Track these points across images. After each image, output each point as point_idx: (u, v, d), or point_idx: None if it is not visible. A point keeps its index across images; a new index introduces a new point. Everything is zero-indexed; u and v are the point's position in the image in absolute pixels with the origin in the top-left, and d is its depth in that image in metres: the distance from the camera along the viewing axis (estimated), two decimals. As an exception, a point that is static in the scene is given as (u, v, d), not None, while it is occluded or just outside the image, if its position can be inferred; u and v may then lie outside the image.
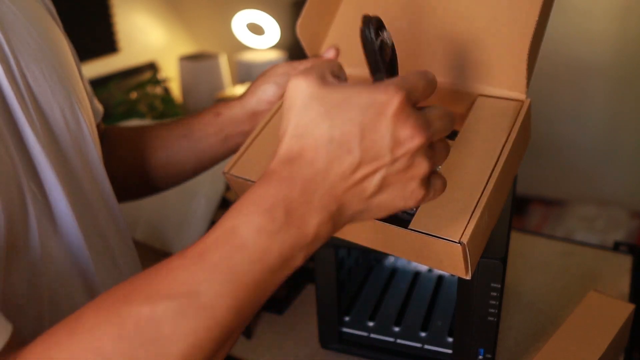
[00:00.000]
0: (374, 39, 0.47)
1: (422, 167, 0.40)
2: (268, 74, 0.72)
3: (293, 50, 2.56)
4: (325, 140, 0.38)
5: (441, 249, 0.54)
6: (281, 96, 0.70)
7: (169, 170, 0.75)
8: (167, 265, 0.38)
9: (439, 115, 0.40)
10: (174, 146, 0.74)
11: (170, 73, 2.58)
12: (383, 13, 0.71)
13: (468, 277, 0.55)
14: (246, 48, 2.56)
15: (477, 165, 0.57)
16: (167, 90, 2.36)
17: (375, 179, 0.39)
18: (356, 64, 0.72)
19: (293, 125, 0.39)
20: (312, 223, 0.39)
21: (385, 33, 0.49)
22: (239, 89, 2.28)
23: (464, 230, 0.52)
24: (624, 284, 0.88)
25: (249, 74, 2.42)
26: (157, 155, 0.74)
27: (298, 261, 0.39)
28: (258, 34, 2.50)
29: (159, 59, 2.56)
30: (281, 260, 0.38)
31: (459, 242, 0.51)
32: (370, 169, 0.39)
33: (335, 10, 0.76)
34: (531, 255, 0.96)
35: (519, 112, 0.61)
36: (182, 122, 0.75)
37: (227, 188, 1.09)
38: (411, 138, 0.38)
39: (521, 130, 0.60)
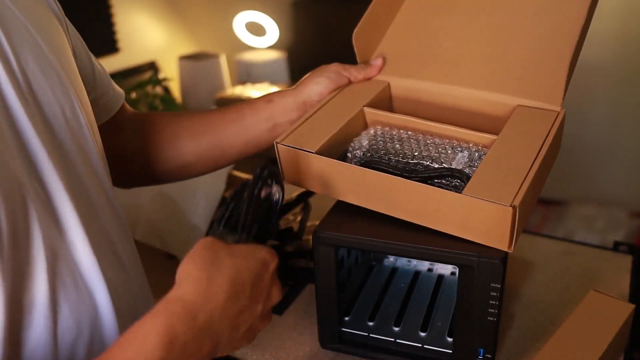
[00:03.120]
0: (256, 187, 0.55)
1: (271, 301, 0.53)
2: (321, 69, 0.78)
3: (293, 50, 2.56)
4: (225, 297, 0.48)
5: (490, 215, 0.59)
6: (332, 89, 0.77)
7: (213, 154, 0.78)
8: None
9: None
10: (224, 130, 0.77)
11: (170, 73, 2.58)
12: (431, 34, 0.82)
13: (510, 250, 0.60)
14: (246, 48, 2.56)
15: (521, 153, 0.64)
16: (167, 90, 2.36)
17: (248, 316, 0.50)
18: (403, 75, 0.80)
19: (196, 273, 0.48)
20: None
21: (274, 187, 0.56)
22: (239, 89, 2.28)
23: (515, 196, 0.58)
24: (624, 284, 0.88)
25: (249, 74, 2.42)
26: (204, 139, 0.77)
27: None
28: (258, 34, 2.50)
29: (159, 59, 2.56)
30: None
31: (511, 206, 0.56)
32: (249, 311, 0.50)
33: (388, 24, 0.84)
34: (531, 255, 0.96)
35: (555, 119, 0.69)
36: (234, 107, 0.78)
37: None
38: (275, 292, 0.53)
39: (557, 134, 0.68)
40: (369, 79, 0.81)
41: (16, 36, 0.51)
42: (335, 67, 0.79)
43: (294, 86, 0.78)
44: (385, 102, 0.80)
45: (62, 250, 0.50)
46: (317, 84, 0.76)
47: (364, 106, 0.75)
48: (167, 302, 0.46)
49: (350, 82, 0.80)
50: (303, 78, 0.78)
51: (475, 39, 0.79)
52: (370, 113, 0.75)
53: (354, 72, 0.79)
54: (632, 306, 0.71)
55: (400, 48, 0.82)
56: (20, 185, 0.47)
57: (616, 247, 0.97)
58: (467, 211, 0.60)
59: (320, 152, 0.68)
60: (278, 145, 0.70)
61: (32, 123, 0.49)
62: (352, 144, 0.72)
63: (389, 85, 0.80)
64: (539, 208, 2.44)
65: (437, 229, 0.64)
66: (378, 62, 0.81)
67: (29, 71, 0.51)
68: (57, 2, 0.63)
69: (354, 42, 0.78)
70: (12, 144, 0.47)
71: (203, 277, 0.47)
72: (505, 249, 0.61)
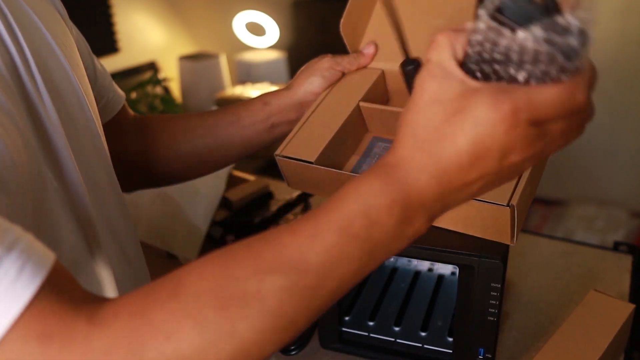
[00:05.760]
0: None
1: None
2: (314, 67, 0.76)
3: (293, 50, 2.56)
4: (459, 157, 0.37)
5: (490, 215, 0.59)
6: (326, 88, 0.76)
7: (214, 155, 0.78)
8: (276, 240, 0.38)
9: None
10: (222, 132, 0.77)
11: (170, 73, 2.58)
12: (418, 11, 0.78)
13: (513, 243, 0.61)
14: (246, 48, 2.56)
15: None
16: (167, 90, 2.36)
17: (480, 184, 0.39)
18: (391, 59, 0.78)
19: (421, 126, 0.38)
20: (418, 222, 0.39)
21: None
22: (239, 89, 2.28)
23: (512, 196, 0.58)
24: (624, 284, 0.88)
25: (249, 74, 2.42)
26: (202, 141, 0.77)
27: (393, 253, 0.40)
28: (258, 34, 2.50)
29: (159, 59, 2.56)
30: (385, 253, 0.39)
31: (508, 205, 0.57)
32: (483, 181, 0.38)
33: (372, 9, 0.82)
34: (531, 255, 0.96)
35: None
36: (230, 109, 0.78)
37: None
38: (521, 152, 0.37)
39: None
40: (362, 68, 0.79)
41: (33, 35, 0.52)
42: (327, 62, 0.76)
43: (288, 85, 0.77)
44: (380, 92, 0.79)
45: (74, 238, 0.51)
46: (311, 84, 0.75)
47: (359, 101, 0.74)
48: (385, 167, 0.39)
49: (344, 74, 0.78)
50: (296, 75, 0.77)
51: (467, 13, 0.75)
52: (367, 108, 0.75)
53: (346, 65, 0.77)
54: (632, 306, 0.71)
55: (387, 30, 0.79)
56: (42, 177, 0.48)
57: (616, 247, 0.97)
58: (466, 212, 0.60)
59: (320, 159, 0.68)
60: (277, 158, 0.70)
61: (51, 115, 0.50)
62: None
63: (383, 73, 0.79)
64: (539, 208, 2.44)
65: (446, 227, 0.64)
66: (370, 49, 0.78)
67: (46, 67, 0.52)
68: (63, 6, 0.63)
69: (342, 33, 0.76)
70: (33, 135, 0.48)
71: (432, 139, 0.37)
72: (508, 243, 0.62)
